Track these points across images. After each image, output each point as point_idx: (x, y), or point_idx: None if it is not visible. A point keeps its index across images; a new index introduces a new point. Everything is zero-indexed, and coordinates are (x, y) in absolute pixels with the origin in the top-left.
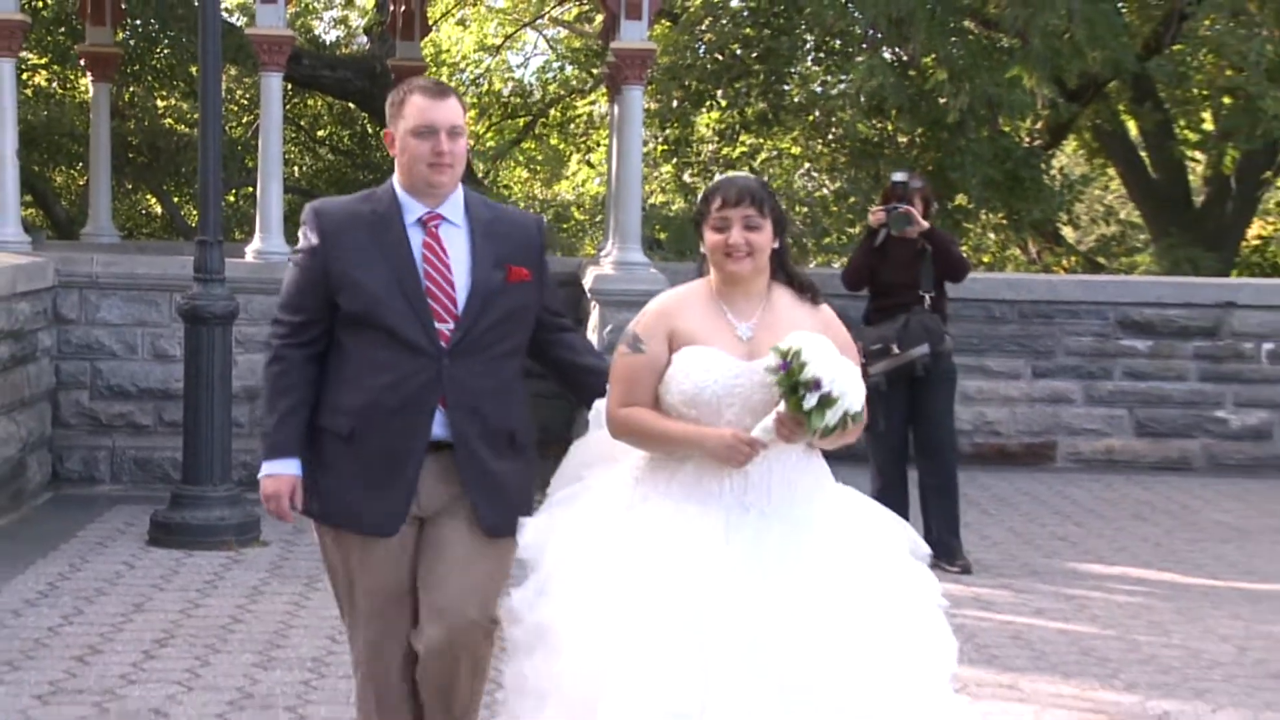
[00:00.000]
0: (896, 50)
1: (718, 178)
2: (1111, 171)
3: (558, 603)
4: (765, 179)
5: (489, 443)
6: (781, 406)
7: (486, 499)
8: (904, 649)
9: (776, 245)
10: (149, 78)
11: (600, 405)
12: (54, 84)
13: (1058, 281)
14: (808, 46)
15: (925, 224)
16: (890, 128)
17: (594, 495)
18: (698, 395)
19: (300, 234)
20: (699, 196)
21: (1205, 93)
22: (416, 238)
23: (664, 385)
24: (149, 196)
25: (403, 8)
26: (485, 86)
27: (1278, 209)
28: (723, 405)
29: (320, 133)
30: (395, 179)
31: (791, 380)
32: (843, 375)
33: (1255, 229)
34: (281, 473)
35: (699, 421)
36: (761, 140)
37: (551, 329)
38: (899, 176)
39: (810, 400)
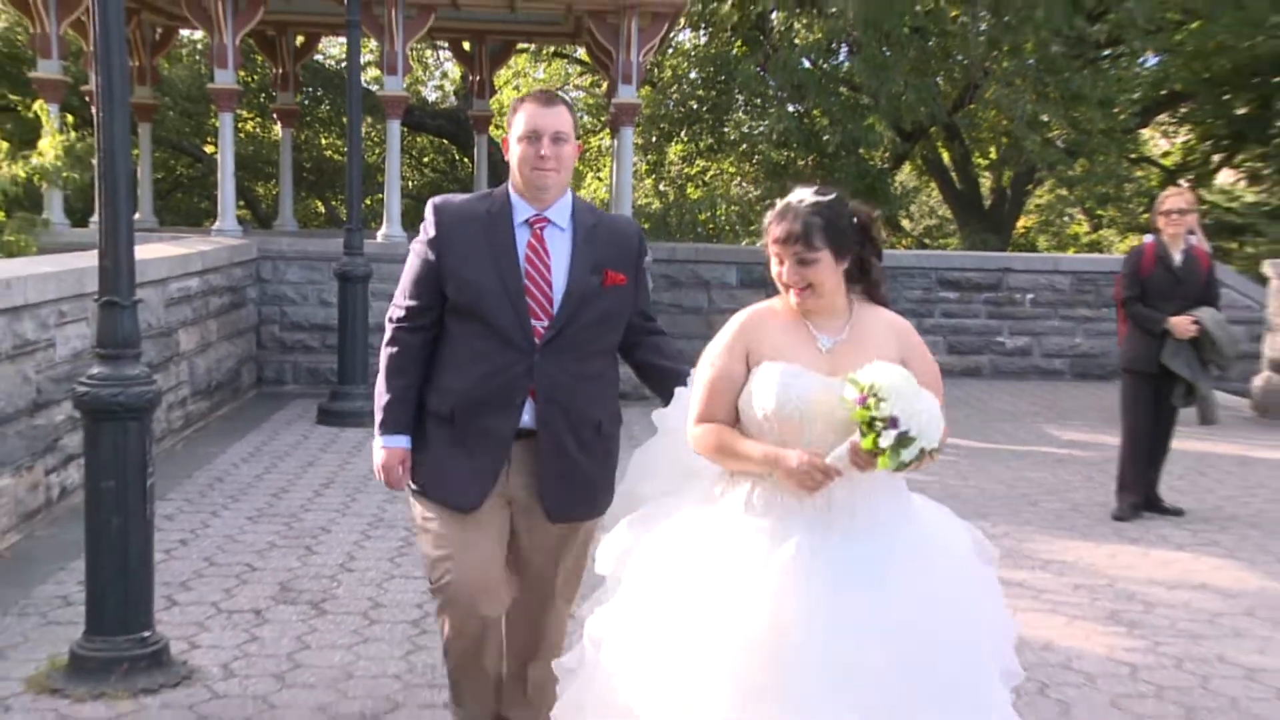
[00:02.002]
0: (796, 105)
1: (779, 204)
2: (933, 184)
3: (636, 625)
4: (829, 199)
5: (575, 433)
6: (857, 437)
7: (560, 486)
8: (975, 677)
9: (846, 264)
10: (317, 125)
11: (664, 411)
12: (257, 129)
13: (900, 254)
14: (739, 102)
15: None
16: (792, 155)
17: (676, 514)
18: (779, 411)
19: (422, 226)
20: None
21: (990, 135)
22: (523, 238)
23: (745, 401)
24: (316, 201)
25: (477, 78)
26: None
27: (1035, 209)
28: (806, 421)
29: (425, 159)
30: (510, 182)
31: (868, 416)
32: (921, 412)
33: (1022, 222)
34: (394, 446)
35: (783, 437)
36: (710, 164)
37: (641, 331)
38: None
39: (887, 438)
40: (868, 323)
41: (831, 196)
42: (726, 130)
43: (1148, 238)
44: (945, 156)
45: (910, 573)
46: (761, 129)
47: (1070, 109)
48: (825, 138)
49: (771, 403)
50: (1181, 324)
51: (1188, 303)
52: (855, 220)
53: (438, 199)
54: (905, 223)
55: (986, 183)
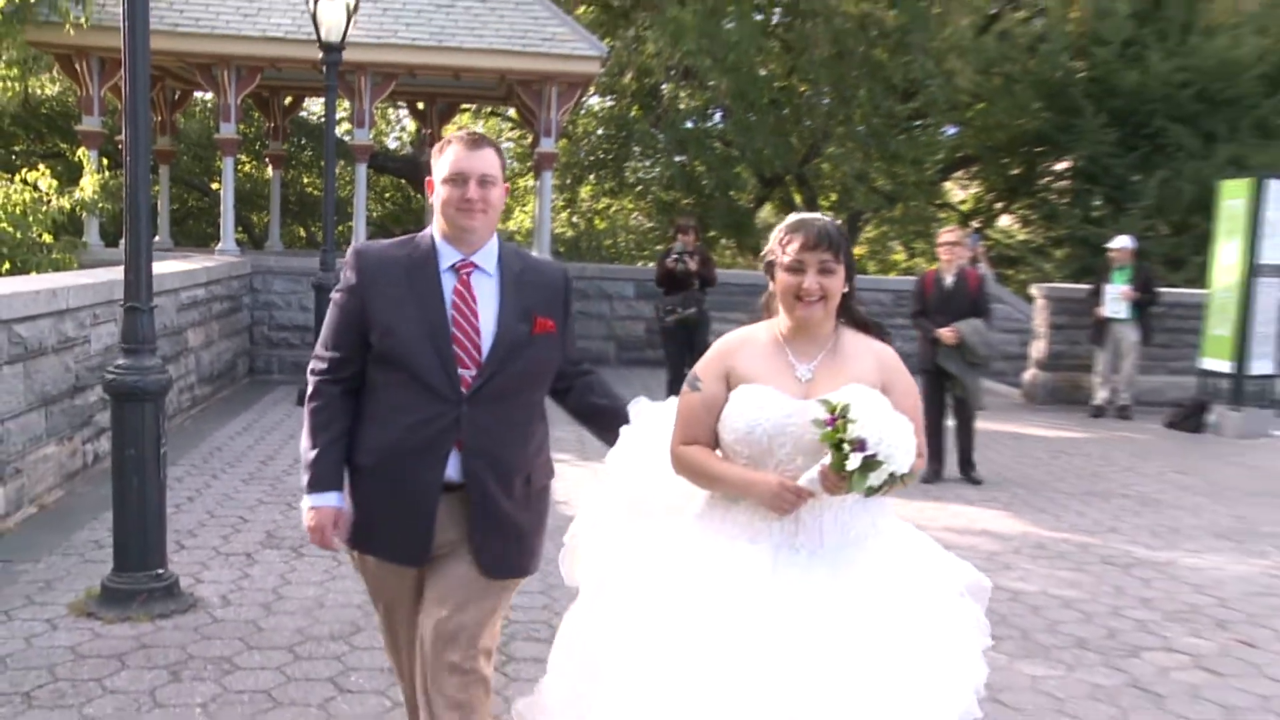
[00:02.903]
0: (681, 157)
1: (792, 217)
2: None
3: (604, 630)
4: (831, 219)
5: (503, 485)
6: (827, 460)
7: (490, 540)
8: (930, 691)
9: (847, 290)
10: (300, 167)
11: (616, 450)
12: (253, 170)
13: (759, 275)
14: (635, 153)
15: (693, 266)
16: (677, 196)
17: (650, 529)
18: (750, 433)
19: (341, 273)
20: (773, 234)
21: (830, 183)
22: (449, 284)
23: (721, 423)
24: (299, 227)
25: (429, 130)
26: None
27: (865, 241)
28: (774, 444)
29: (386, 195)
30: (434, 226)
31: (836, 437)
32: (891, 436)
33: (855, 251)
34: (324, 505)
35: (752, 460)
36: (612, 201)
37: (571, 376)
38: (684, 220)
39: (854, 460)
40: (849, 348)
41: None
42: (625, 175)
43: (938, 266)
44: (797, 199)
45: (866, 599)
46: (653, 175)
47: (890, 166)
48: (704, 182)
49: (742, 424)
50: (945, 333)
51: (958, 316)
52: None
53: (359, 244)
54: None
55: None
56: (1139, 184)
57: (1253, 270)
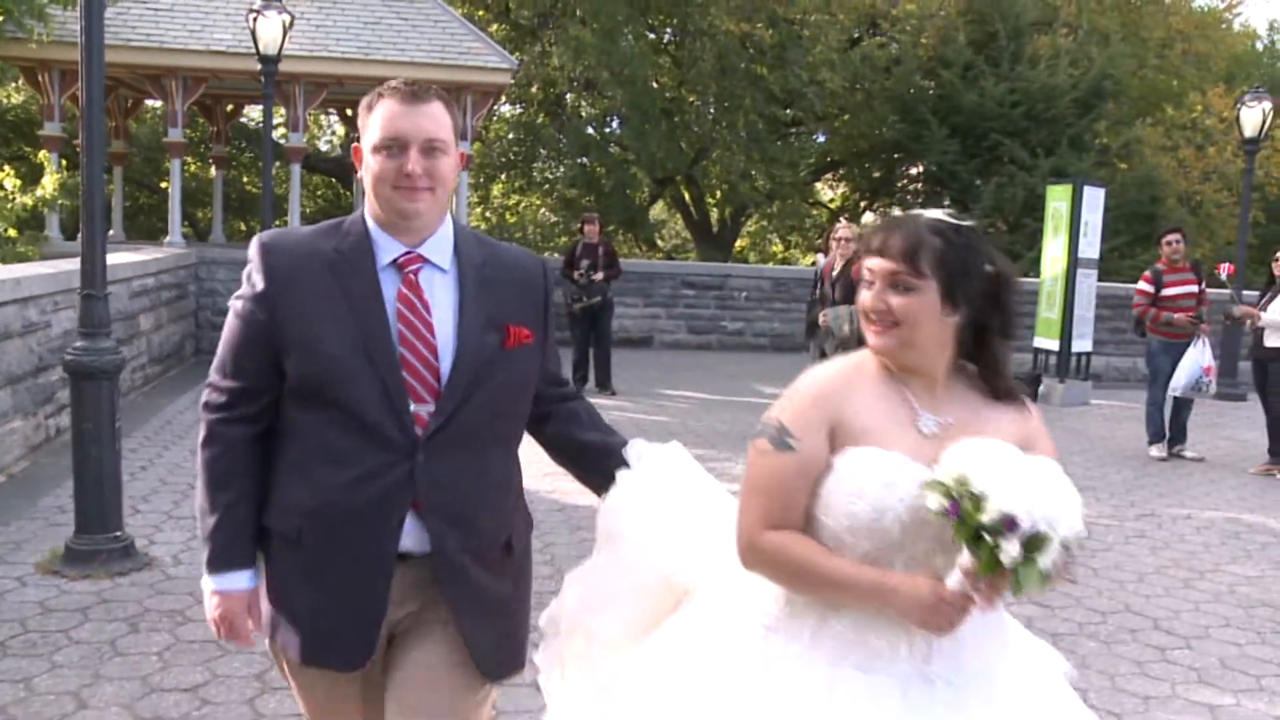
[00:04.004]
0: (582, 159)
1: (885, 214)
2: (679, 216)
3: None
4: (958, 223)
5: (477, 555)
6: (966, 559)
7: (480, 630)
8: None
9: (958, 318)
10: (241, 167)
11: (612, 504)
12: (198, 170)
13: (655, 264)
14: (542, 156)
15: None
16: (579, 193)
17: (702, 640)
18: (876, 522)
19: (244, 275)
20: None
21: (716, 183)
22: (390, 286)
23: (821, 500)
24: (240, 222)
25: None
26: None
27: (748, 234)
28: (907, 536)
29: (318, 193)
30: (365, 208)
31: (971, 526)
32: (1042, 492)
33: (739, 243)
34: (231, 589)
35: (873, 556)
36: (521, 198)
37: (552, 399)
38: (588, 215)
39: (1010, 549)
40: (979, 399)
41: (964, 223)
42: (533, 175)
43: (823, 257)
44: (687, 197)
45: None
46: (558, 175)
47: (769, 168)
48: (603, 182)
49: (864, 508)
50: (821, 318)
51: (844, 302)
52: (987, 268)
53: (266, 235)
54: (660, 242)
55: (715, 215)
56: (980, 188)
57: (1074, 263)
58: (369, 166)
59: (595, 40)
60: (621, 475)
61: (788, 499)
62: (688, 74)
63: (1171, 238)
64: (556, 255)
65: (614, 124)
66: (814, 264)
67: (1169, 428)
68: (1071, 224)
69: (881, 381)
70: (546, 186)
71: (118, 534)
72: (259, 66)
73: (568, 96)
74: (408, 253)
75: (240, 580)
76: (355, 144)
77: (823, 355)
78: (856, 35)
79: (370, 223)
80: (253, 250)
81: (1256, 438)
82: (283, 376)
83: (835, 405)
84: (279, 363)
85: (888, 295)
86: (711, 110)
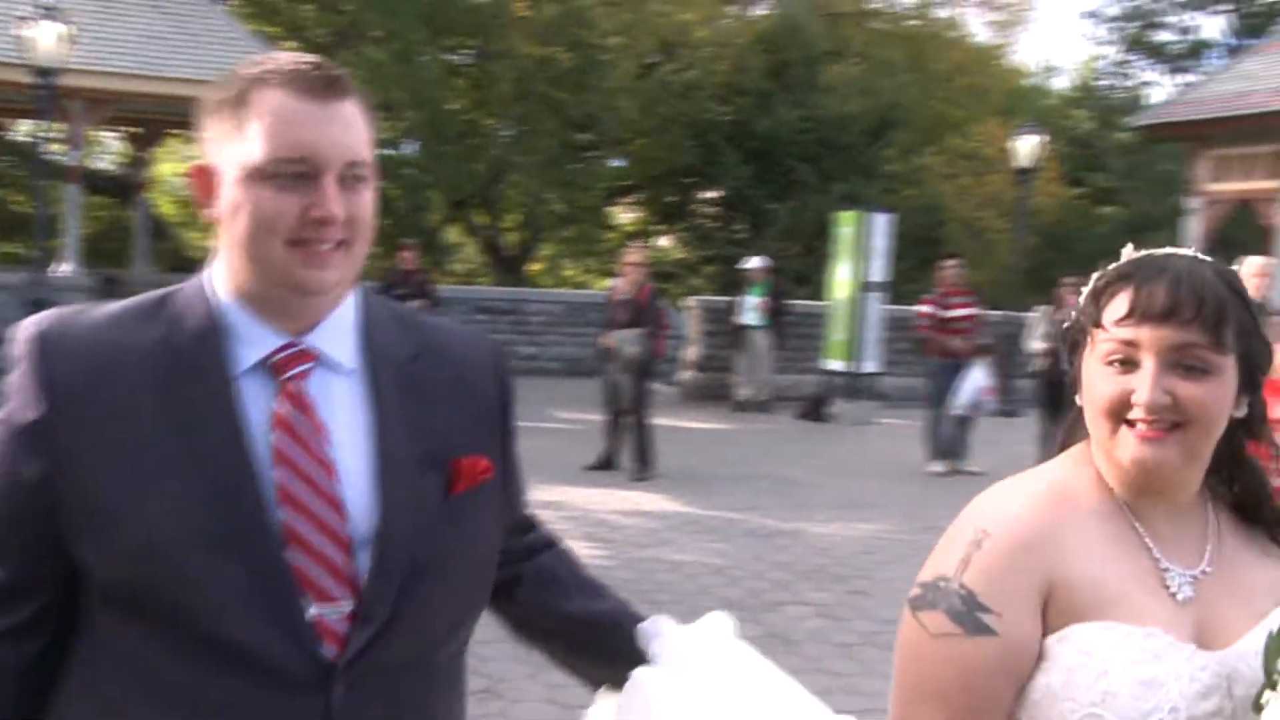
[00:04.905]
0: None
1: (1133, 254)
2: (474, 239)
3: None
4: (1219, 263)
5: None
6: None
7: None
8: None
9: (1243, 413)
10: (10, 186)
11: (628, 715)
12: None
13: (449, 289)
14: None
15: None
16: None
17: None
18: None
19: (4, 387)
20: (1090, 285)
21: (512, 206)
22: (260, 403)
23: (1030, 712)
24: (9, 245)
25: (139, 154)
26: None
27: (543, 258)
28: None
29: (95, 214)
30: (212, 274)
31: None
32: None
33: (534, 267)
34: None
35: None
36: None
37: (515, 556)
38: (405, 242)
39: None
40: (1230, 535)
41: (1233, 269)
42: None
43: (615, 280)
44: (482, 220)
45: None
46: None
47: (566, 191)
48: (397, 204)
49: (1132, 713)
50: (606, 341)
51: (633, 323)
52: (1266, 342)
53: (43, 320)
54: (455, 267)
55: (511, 239)
56: (774, 212)
57: (862, 287)
58: (236, 204)
59: (391, 61)
60: (639, 672)
61: (984, 709)
62: (486, 96)
63: (950, 262)
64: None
65: (409, 146)
66: (608, 288)
67: (950, 444)
68: (859, 249)
69: (1105, 516)
70: None
71: None
72: (33, 79)
73: None
74: (287, 346)
75: None
76: (198, 165)
77: (613, 386)
78: (654, 60)
79: (222, 298)
80: (21, 345)
81: (1032, 451)
82: (72, 565)
83: (1048, 557)
84: (63, 542)
85: (1170, 380)
86: (509, 133)
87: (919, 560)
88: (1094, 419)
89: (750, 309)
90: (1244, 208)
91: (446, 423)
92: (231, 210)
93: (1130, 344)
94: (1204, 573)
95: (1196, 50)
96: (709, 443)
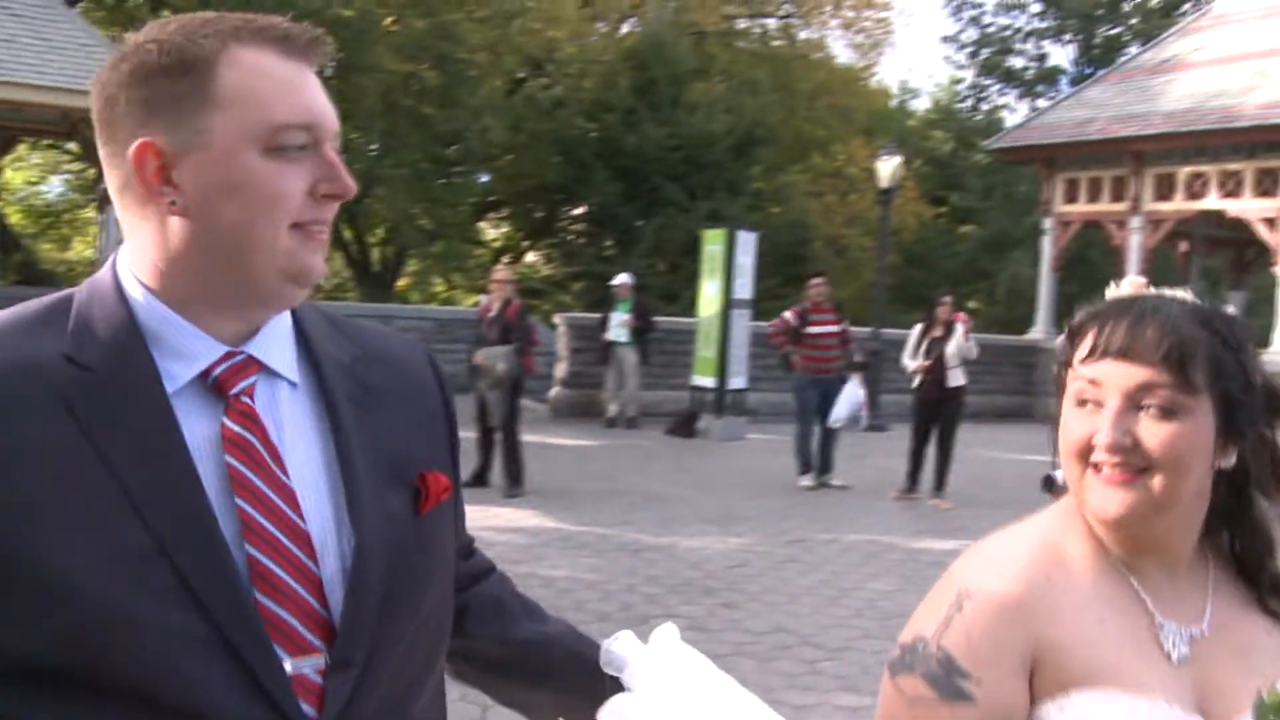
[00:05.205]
0: None
1: (1114, 291)
2: (339, 254)
3: None
4: (1221, 312)
5: None
6: None
7: None
8: None
9: (1230, 463)
10: None
11: None
12: None
13: (315, 305)
14: None
15: None
16: None
17: None
18: None
19: None
20: (1067, 325)
21: (378, 220)
22: (201, 424)
23: None
24: None
25: None
26: None
27: (410, 274)
28: None
29: None
30: (123, 273)
31: None
32: None
33: (401, 282)
34: None
35: None
36: None
37: (463, 581)
38: None
39: None
40: (1231, 593)
41: (1225, 309)
42: None
43: (484, 296)
44: (348, 234)
45: None
46: None
47: (433, 207)
48: None
49: None
50: (475, 358)
51: (499, 342)
52: (1263, 385)
53: None
54: (320, 281)
55: (378, 254)
56: (641, 229)
57: (729, 304)
58: (229, 183)
59: None
60: (616, 700)
61: None
62: (351, 110)
63: (816, 280)
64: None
65: None
66: (476, 304)
67: (818, 459)
68: (726, 266)
69: (1097, 571)
70: None
71: None
72: None
73: None
74: (229, 356)
75: None
76: (144, 143)
77: (483, 403)
78: (522, 77)
79: (144, 298)
80: None
81: (897, 464)
82: None
83: (1036, 618)
84: None
85: (1132, 421)
86: (375, 147)
87: (788, 573)
88: (1065, 462)
89: (617, 325)
90: (1093, 228)
91: (403, 436)
92: (218, 191)
93: (1095, 383)
94: (1202, 633)
95: (1049, 76)
96: (580, 459)
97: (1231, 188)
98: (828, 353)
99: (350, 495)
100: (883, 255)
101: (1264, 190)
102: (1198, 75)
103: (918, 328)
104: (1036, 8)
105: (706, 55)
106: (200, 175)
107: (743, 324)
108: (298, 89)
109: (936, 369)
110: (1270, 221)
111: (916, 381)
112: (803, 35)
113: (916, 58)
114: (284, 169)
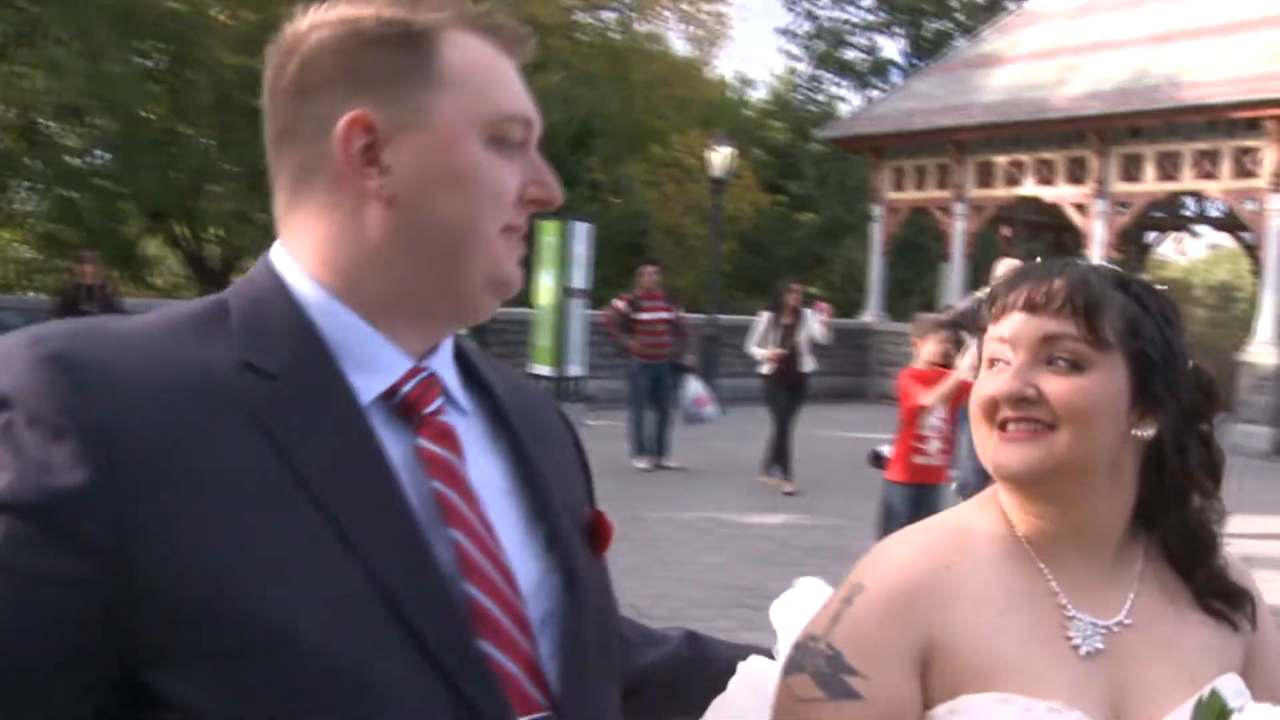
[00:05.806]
0: (66, 191)
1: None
2: (177, 252)
3: None
4: (1153, 285)
5: None
6: None
7: None
8: None
9: (1151, 433)
10: None
11: None
12: None
13: (152, 303)
14: (17, 185)
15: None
16: (61, 229)
17: None
18: None
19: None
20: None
21: (215, 218)
22: (396, 451)
23: None
24: None
25: None
26: None
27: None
28: None
29: None
30: (291, 272)
31: None
32: None
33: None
34: None
35: None
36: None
37: None
38: (86, 255)
39: None
40: (1162, 588)
41: (1158, 286)
42: (16, 206)
43: None
44: (184, 233)
45: None
46: (42, 208)
47: (268, 203)
48: (91, 215)
49: None
50: None
51: None
52: (1192, 367)
53: (49, 337)
54: (156, 280)
55: (214, 251)
56: None
57: (566, 293)
58: (455, 172)
59: (77, 63)
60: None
61: None
62: (183, 104)
63: (648, 269)
64: (42, 296)
65: (101, 155)
66: None
67: (653, 441)
68: (561, 257)
69: (1005, 558)
70: (21, 220)
71: None
72: None
73: (47, 123)
74: (415, 373)
75: None
76: (356, 116)
77: None
78: None
79: (322, 299)
80: (33, 380)
81: (735, 446)
82: (133, 694)
83: (928, 610)
84: (137, 676)
85: (1037, 375)
86: (210, 142)
87: (623, 549)
88: (975, 426)
89: None
90: (921, 214)
91: (567, 472)
92: (438, 179)
93: (1003, 340)
94: (1121, 624)
95: (881, 68)
96: None
97: (1046, 175)
98: (659, 339)
99: (552, 532)
100: (715, 243)
101: (1075, 178)
102: (1013, 70)
103: (765, 315)
104: (868, 2)
105: (546, 47)
106: (418, 158)
107: (579, 313)
108: (513, 81)
109: (790, 356)
110: (1080, 207)
111: (768, 369)
112: (640, 28)
113: (754, 50)
114: (506, 165)
